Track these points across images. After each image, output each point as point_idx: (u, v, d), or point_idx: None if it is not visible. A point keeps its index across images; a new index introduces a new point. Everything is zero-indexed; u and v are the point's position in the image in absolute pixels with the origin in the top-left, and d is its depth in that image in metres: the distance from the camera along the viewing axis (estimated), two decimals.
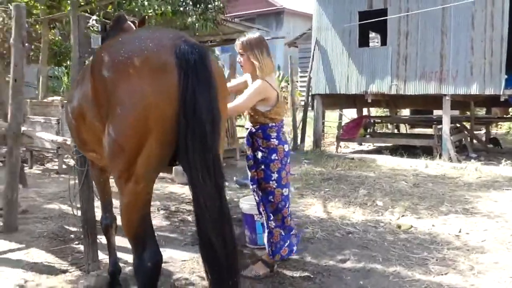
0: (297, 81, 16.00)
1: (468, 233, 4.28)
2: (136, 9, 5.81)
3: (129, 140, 1.97)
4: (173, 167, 6.86)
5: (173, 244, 4.02)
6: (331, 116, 13.92)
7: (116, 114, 1.97)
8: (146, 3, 5.68)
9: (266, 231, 3.27)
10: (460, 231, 4.32)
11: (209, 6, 7.97)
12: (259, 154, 3.18)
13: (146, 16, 5.56)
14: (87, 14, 6.21)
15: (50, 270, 3.46)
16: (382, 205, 5.28)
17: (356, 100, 11.37)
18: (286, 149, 3.25)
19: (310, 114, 10.98)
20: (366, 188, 6.21)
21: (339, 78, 9.94)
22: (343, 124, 11.16)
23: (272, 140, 3.16)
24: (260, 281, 3.21)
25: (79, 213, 3.52)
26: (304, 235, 4.15)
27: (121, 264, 3.53)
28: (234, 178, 6.75)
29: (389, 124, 13.36)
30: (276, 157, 3.15)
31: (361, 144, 11.48)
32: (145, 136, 1.95)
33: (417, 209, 5.10)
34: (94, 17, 7.22)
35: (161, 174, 7.23)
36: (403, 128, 13.27)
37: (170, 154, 2.02)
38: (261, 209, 3.29)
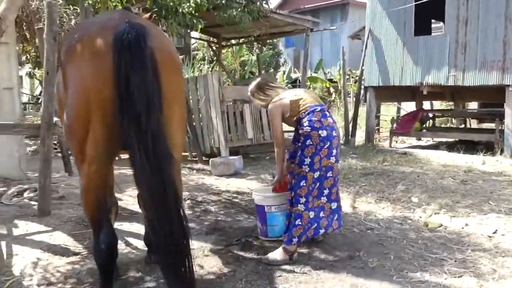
0: (356, 76, 15.50)
1: (504, 235, 3.88)
2: (171, 3, 5.90)
3: (76, 123, 2.00)
4: (210, 159, 7.01)
5: None
6: (391, 110, 13.35)
7: (67, 98, 2.00)
8: None
9: (292, 215, 3.36)
10: (495, 232, 3.93)
11: None
12: (298, 144, 3.42)
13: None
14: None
15: (64, 252, 3.63)
16: (417, 202, 4.96)
17: (414, 93, 10.77)
18: (323, 135, 3.32)
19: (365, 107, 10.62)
20: (406, 183, 5.86)
21: (393, 69, 9.48)
22: (398, 117, 10.63)
23: (305, 128, 3.35)
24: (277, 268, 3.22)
25: None
26: None
27: (133, 251, 3.66)
28: (270, 170, 6.66)
29: (454, 119, 12.54)
30: (311, 143, 3.30)
31: (419, 139, 10.90)
32: (88, 119, 1.96)
33: (455, 207, 4.72)
34: (136, 10, 7.48)
35: (200, 166, 7.38)
36: (472, 123, 12.38)
37: (118, 137, 2.00)
38: (292, 198, 3.45)
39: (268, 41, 20.33)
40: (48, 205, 4.63)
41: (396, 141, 10.70)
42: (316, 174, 3.35)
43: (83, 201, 2.17)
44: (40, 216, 4.50)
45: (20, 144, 6.11)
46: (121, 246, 3.66)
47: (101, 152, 2.04)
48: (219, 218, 4.51)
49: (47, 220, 4.41)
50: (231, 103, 8.17)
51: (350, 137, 10.03)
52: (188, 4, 6.03)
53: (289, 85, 18.88)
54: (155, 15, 7.06)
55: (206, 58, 20.87)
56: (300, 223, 3.31)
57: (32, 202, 4.94)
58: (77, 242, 3.88)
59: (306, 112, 3.41)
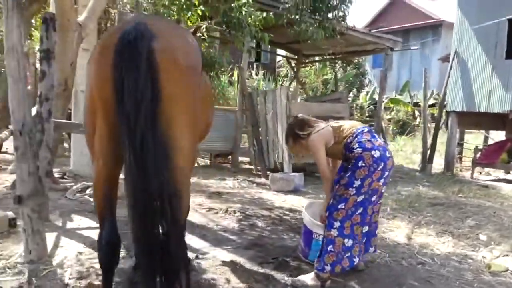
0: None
1: None
2: (239, 17, 5.97)
3: (86, 120, 2.06)
4: (270, 174, 6.92)
5: (226, 245, 3.96)
6: (478, 138, 12.35)
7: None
8: (244, 12, 5.82)
9: (324, 241, 3.14)
10: None
11: (329, 15, 7.77)
12: (348, 165, 3.13)
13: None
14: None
15: None
16: (485, 240, 4.44)
17: (504, 121, 9.85)
18: (377, 155, 3.05)
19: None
20: (478, 219, 5.30)
21: (479, 94, 8.77)
22: (482, 147, 9.76)
23: (355, 150, 3.09)
24: None
25: None
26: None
27: None
28: None
29: None
30: (363, 164, 3.02)
31: (508, 173, 9.92)
32: (94, 116, 1.98)
33: None
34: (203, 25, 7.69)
35: (262, 180, 7.31)
36: None
37: (119, 135, 1.96)
38: (325, 219, 3.20)
39: (352, 60, 20.08)
40: None
41: (480, 173, 9.84)
42: (360, 198, 3.06)
43: (93, 196, 2.19)
44: (95, 213, 4.69)
45: None
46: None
47: (105, 148, 2.05)
48: (264, 234, 4.38)
49: None
50: None
51: (427, 163, 9.39)
52: (254, 18, 6.07)
53: (371, 107, 18.30)
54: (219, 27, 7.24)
55: (289, 75, 20.97)
56: (332, 249, 3.06)
57: (91, 199, 5.17)
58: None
59: (354, 135, 3.16)
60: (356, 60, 20.72)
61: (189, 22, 6.61)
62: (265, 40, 6.59)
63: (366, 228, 3.23)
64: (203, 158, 9.57)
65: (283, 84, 18.61)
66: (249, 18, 5.97)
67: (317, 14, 7.79)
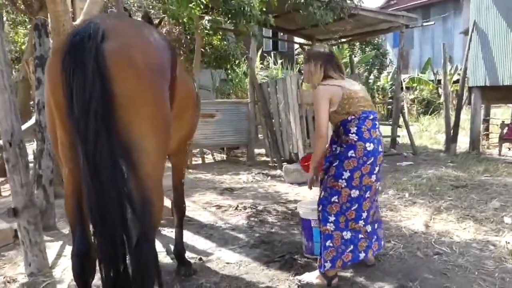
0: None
1: None
2: (239, 2, 5.77)
3: (48, 128, 2.04)
4: (283, 166, 6.73)
5: (232, 245, 3.83)
6: (505, 113, 11.79)
7: None
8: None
9: (321, 236, 2.96)
10: None
11: None
12: (337, 150, 2.89)
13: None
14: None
15: None
16: (510, 223, 4.15)
17: None
18: (370, 148, 2.81)
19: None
20: (504, 199, 4.99)
21: (503, 66, 8.29)
22: (510, 121, 9.28)
23: (351, 135, 2.83)
24: None
25: None
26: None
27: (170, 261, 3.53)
28: None
29: None
30: (353, 154, 2.80)
31: None
32: (53, 123, 1.90)
33: None
34: (207, 17, 7.48)
35: (278, 172, 7.12)
36: None
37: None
38: (318, 213, 3.00)
39: (371, 41, 19.52)
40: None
41: (509, 149, 9.37)
42: (355, 193, 2.84)
43: (64, 205, 2.09)
44: None
45: None
46: (161, 253, 3.58)
47: (68, 155, 1.91)
48: (273, 230, 4.21)
49: None
50: (309, 107, 7.79)
51: (451, 143, 8.99)
52: (254, 2, 5.85)
53: (393, 87, 17.76)
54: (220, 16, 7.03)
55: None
56: (331, 244, 2.88)
57: None
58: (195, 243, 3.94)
59: (357, 117, 2.86)
60: (376, 41, 20.18)
61: (192, 13, 6.45)
62: (268, 22, 6.35)
63: (369, 228, 3.00)
64: (220, 153, 9.45)
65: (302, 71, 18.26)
66: (250, 3, 5.75)
67: None
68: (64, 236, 4.13)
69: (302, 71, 3.26)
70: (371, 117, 2.93)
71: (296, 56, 24.53)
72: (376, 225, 3.06)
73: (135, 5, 10.82)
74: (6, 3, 9.36)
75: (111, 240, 1.79)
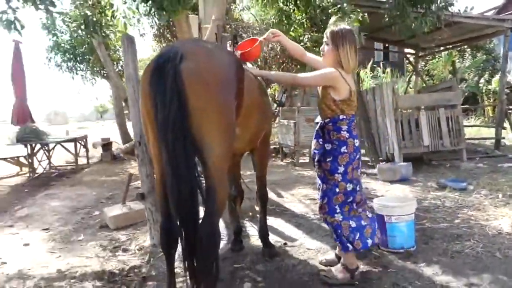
0: None
1: None
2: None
3: (144, 131, 2.29)
4: (377, 165, 6.36)
5: (317, 234, 3.76)
6: None
7: None
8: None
9: (331, 228, 2.73)
10: None
11: (431, 6, 6.82)
12: (329, 146, 2.67)
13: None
14: None
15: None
16: None
17: None
18: (357, 144, 2.68)
19: None
20: None
21: None
22: None
23: (342, 132, 2.64)
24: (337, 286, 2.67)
25: None
26: (452, 247, 3.16)
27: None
28: (440, 179, 5.59)
29: None
30: (346, 150, 2.63)
31: None
32: (146, 127, 2.14)
33: None
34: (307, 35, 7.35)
35: (370, 171, 6.77)
36: None
37: None
38: (324, 205, 2.71)
39: (482, 46, 17.36)
40: None
41: None
42: (349, 186, 2.65)
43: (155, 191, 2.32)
44: None
45: None
46: (254, 236, 3.67)
47: (156, 153, 2.10)
48: None
49: None
50: (406, 111, 7.25)
51: None
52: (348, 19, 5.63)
53: (506, 90, 15.53)
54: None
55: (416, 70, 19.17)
56: (341, 232, 2.65)
57: None
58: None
59: (348, 118, 2.64)
60: (488, 45, 17.92)
61: (293, 33, 6.50)
62: (359, 40, 6.06)
63: (369, 214, 2.81)
64: None
65: (410, 79, 17.12)
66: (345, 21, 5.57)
67: (419, 6, 6.90)
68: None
69: (322, 53, 2.72)
70: (354, 120, 2.70)
71: (407, 65, 23.02)
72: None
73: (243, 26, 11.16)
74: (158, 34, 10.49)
75: (185, 218, 1.97)
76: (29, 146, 7.67)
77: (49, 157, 8.06)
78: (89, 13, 4.24)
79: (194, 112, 1.92)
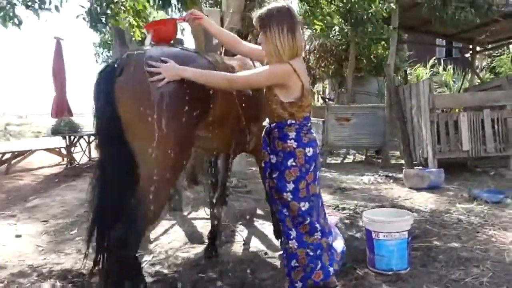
0: None
1: None
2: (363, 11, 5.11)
3: None
4: (404, 170, 5.75)
5: None
6: None
7: None
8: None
9: (285, 254, 2.27)
10: None
11: None
12: (274, 159, 2.21)
13: None
14: None
15: None
16: None
17: None
18: (310, 154, 2.16)
19: None
20: None
21: None
22: None
23: (289, 141, 2.15)
24: None
25: None
26: (453, 273, 2.65)
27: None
28: (474, 189, 4.89)
29: None
30: (294, 163, 2.14)
31: None
32: None
33: None
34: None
35: (400, 175, 6.15)
36: None
37: None
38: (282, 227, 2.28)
39: None
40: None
41: None
42: (304, 206, 2.16)
43: None
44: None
45: None
46: (237, 246, 3.41)
47: None
48: (357, 235, 3.58)
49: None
50: (445, 112, 6.49)
51: None
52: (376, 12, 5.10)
53: None
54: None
55: (479, 66, 17.63)
56: (297, 264, 2.19)
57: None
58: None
59: (298, 122, 2.15)
60: None
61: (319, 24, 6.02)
62: (390, 32, 5.48)
63: (331, 238, 2.29)
64: (359, 154, 8.72)
65: (465, 77, 15.74)
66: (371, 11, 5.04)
67: None
68: (183, 217, 4.29)
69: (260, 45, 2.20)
70: (308, 123, 2.21)
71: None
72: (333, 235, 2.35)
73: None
74: None
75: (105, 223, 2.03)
76: (67, 138, 8.01)
77: (84, 149, 8.35)
78: (90, 3, 4.19)
79: (125, 123, 1.92)
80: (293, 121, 2.16)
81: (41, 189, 5.96)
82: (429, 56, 16.83)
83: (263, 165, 2.29)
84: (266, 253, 3.22)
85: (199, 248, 3.36)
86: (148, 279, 2.80)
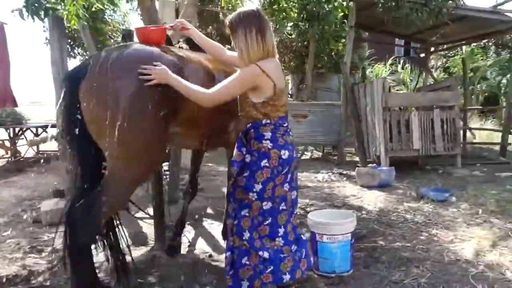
0: None
1: None
2: (321, 10, 5.06)
3: None
4: (356, 168, 5.82)
5: None
6: None
7: None
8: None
9: (236, 250, 2.15)
10: None
11: None
12: (248, 158, 2.14)
13: None
14: None
15: None
16: None
17: None
18: (284, 156, 2.10)
19: None
20: None
21: None
22: None
23: (264, 142, 2.10)
24: None
25: None
26: (394, 275, 2.66)
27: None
28: (421, 188, 5.01)
29: None
30: (267, 164, 2.08)
31: None
32: None
33: None
34: None
35: (354, 173, 6.23)
36: None
37: None
38: (234, 226, 2.19)
39: (507, 43, 16.17)
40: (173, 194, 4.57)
41: None
42: (267, 205, 2.11)
43: None
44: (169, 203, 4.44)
45: None
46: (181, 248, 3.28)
47: None
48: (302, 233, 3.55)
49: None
50: (396, 111, 6.62)
51: None
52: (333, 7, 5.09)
53: None
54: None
55: (434, 66, 18.32)
56: (248, 262, 2.11)
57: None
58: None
59: (273, 122, 2.11)
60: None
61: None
62: (342, 30, 5.50)
63: (295, 247, 2.20)
64: (317, 150, 8.79)
65: (420, 76, 16.30)
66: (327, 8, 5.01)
67: None
68: (126, 217, 4.08)
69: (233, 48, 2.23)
70: (286, 124, 2.18)
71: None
72: (300, 242, 2.25)
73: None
74: None
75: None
76: (10, 130, 7.51)
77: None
78: None
79: (88, 125, 2.01)
80: (268, 121, 2.11)
81: None
82: (389, 55, 17.31)
83: (232, 163, 2.19)
84: (210, 255, 3.12)
85: (141, 251, 3.22)
86: None
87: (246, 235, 2.13)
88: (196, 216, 4.10)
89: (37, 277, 2.79)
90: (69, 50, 10.72)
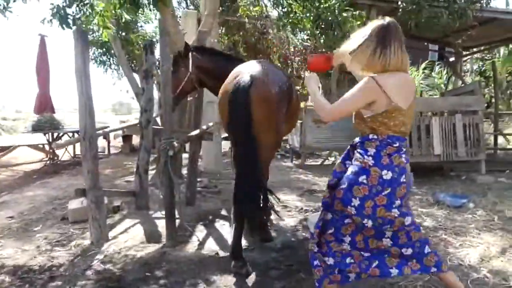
0: None
1: None
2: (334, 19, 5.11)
3: (224, 128, 3.24)
4: None
5: (261, 249, 3.43)
6: None
7: None
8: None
9: (315, 259, 2.17)
10: None
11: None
12: (349, 170, 2.10)
13: None
14: None
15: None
16: None
17: None
18: (387, 177, 1.98)
19: None
20: None
21: None
22: None
23: (366, 157, 2.03)
24: None
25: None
26: (391, 278, 2.68)
27: None
28: (438, 193, 4.93)
29: None
30: (365, 181, 2.00)
31: None
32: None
33: None
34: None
35: None
36: None
37: None
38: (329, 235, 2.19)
39: None
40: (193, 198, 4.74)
41: None
42: (368, 223, 2.03)
43: None
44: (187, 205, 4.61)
45: (216, 145, 6.61)
46: (191, 246, 3.43)
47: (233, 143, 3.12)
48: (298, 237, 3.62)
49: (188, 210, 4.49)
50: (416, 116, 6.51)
51: None
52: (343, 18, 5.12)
53: None
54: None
55: (470, 69, 17.82)
56: (352, 260, 2.13)
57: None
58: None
59: (380, 138, 2.02)
60: None
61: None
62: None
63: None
64: (340, 155, 8.74)
65: (449, 80, 15.81)
66: (340, 17, 5.06)
67: (440, 0, 6.15)
68: (146, 216, 4.30)
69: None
70: (397, 144, 2.02)
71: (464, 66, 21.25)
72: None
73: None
74: None
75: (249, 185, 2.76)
76: (49, 134, 8.02)
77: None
78: (61, 4, 4.20)
79: (256, 122, 2.74)
80: (375, 137, 2.04)
81: (16, 185, 5.99)
82: (422, 59, 16.92)
83: (333, 173, 2.25)
84: (217, 254, 3.25)
85: (153, 248, 3.40)
86: (96, 276, 2.86)
87: (347, 239, 2.14)
88: (210, 217, 4.25)
89: (59, 268, 3.03)
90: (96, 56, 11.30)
